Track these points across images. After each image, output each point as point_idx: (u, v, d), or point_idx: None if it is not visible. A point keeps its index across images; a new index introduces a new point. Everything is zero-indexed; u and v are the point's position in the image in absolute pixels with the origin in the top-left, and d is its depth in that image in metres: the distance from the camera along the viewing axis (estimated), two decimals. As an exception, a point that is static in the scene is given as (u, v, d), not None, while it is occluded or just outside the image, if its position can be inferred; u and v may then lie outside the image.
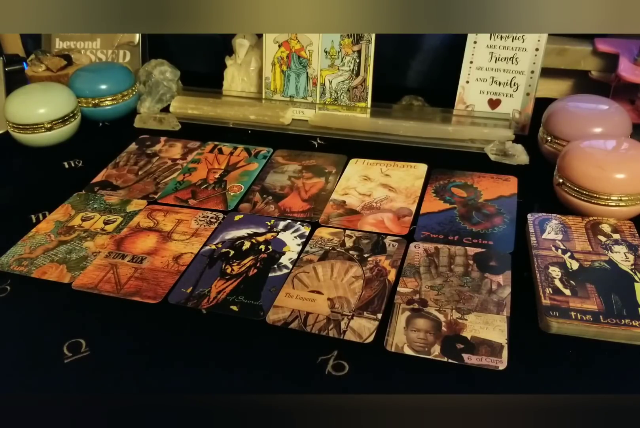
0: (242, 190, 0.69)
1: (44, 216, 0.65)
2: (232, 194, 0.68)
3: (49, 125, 0.77)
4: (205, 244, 0.60)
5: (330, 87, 0.80)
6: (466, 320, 0.50)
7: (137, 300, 0.53)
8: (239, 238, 0.61)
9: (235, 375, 0.46)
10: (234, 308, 0.52)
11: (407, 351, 0.47)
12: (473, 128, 0.76)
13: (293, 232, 0.61)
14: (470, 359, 0.46)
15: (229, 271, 0.56)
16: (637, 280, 0.51)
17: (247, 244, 0.60)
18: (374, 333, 0.49)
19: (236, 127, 0.83)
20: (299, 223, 0.63)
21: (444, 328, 0.49)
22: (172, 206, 0.67)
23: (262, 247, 0.59)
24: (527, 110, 0.77)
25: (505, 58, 0.76)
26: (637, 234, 0.56)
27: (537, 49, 0.74)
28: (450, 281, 0.54)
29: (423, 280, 0.54)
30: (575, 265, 0.53)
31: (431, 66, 0.89)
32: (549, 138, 0.68)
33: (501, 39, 0.75)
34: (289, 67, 0.81)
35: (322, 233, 0.61)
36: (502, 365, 0.46)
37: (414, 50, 0.89)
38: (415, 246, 0.58)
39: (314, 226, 0.62)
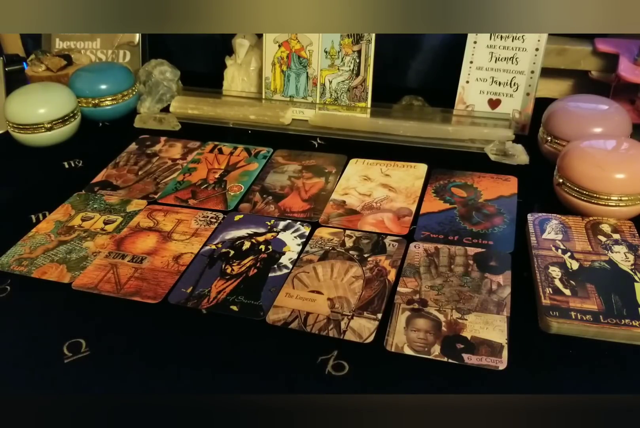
0: (242, 190, 0.69)
1: (44, 216, 0.65)
2: (232, 194, 0.68)
3: (49, 125, 0.77)
4: (205, 244, 0.60)
5: (330, 87, 0.80)
6: (466, 320, 0.49)
7: (137, 300, 0.53)
8: (239, 238, 0.61)
9: (235, 375, 0.46)
10: (234, 308, 0.52)
11: (407, 351, 0.47)
12: (473, 128, 0.76)
13: (293, 232, 0.61)
14: (470, 359, 0.46)
15: (229, 271, 0.56)
16: (637, 279, 0.51)
17: (247, 244, 0.60)
18: (374, 333, 0.49)
19: (236, 127, 0.83)
20: (299, 223, 0.63)
21: (444, 328, 0.49)
22: (172, 206, 0.67)
23: (262, 247, 0.59)
24: (527, 110, 0.77)
25: (505, 58, 0.76)
26: (637, 234, 0.56)
27: (537, 49, 0.74)
28: (450, 281, 0.54)
29: (423, 280, 0.54)
30: (575, 265, 0.53)
31: (431, 66, 0.90)
32: (549, 138, 0.68)
33: (501, 39, 0.75)
34: (289, 67, 0.81)
35: (322, 233, 0.61)
36: (502, 365, 0.46)
37: (414, 50, 0.89)
38: (415, 246, 0.58)
39: (314, 226, 0.62)
